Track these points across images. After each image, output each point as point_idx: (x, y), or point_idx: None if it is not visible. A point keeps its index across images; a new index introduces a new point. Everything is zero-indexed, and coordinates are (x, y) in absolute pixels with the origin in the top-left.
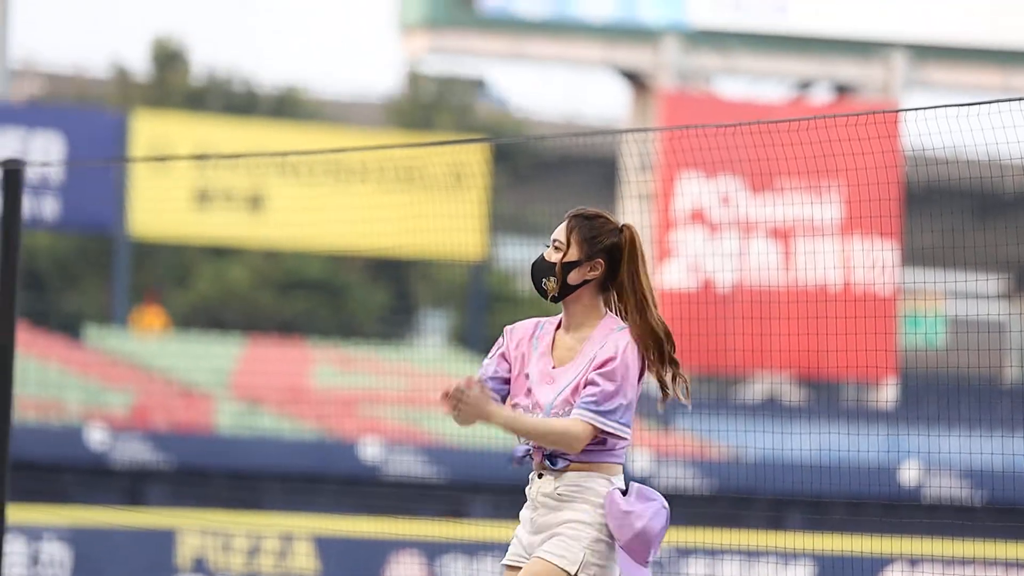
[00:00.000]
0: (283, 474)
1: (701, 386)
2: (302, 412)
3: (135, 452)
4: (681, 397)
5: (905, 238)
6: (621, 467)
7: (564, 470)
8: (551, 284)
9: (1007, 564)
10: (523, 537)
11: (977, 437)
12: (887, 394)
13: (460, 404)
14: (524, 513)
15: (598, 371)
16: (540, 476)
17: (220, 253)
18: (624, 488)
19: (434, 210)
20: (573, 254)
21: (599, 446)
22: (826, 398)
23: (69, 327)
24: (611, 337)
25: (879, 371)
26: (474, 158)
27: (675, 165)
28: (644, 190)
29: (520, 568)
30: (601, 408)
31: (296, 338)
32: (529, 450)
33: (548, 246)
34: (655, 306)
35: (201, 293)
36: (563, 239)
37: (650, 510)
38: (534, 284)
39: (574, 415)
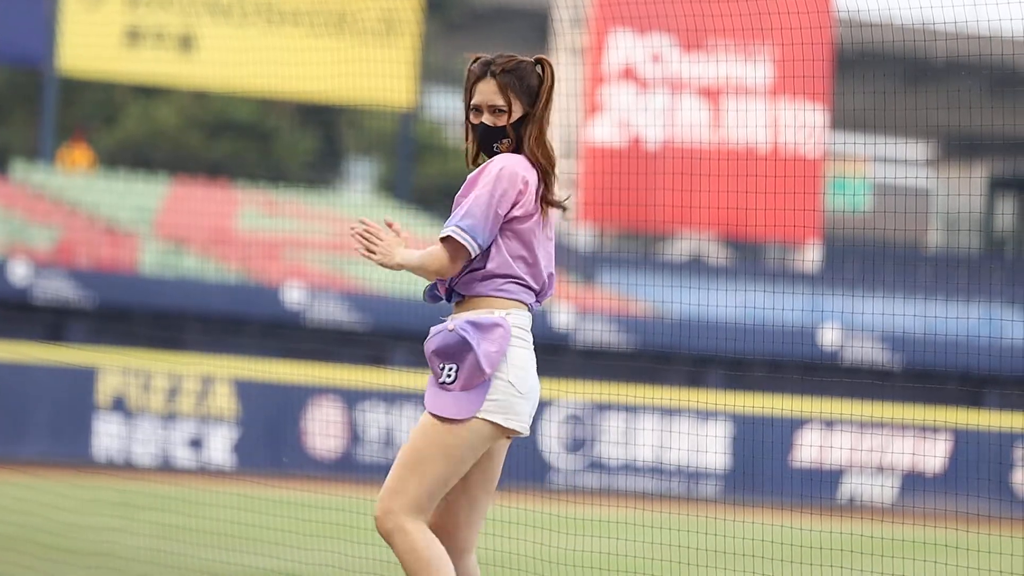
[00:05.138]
0: (205, 315)
1: (625, 243)
2: (226, 254)
3: (58, 289)
4: (564, 207)
5: (834, 101)
6: (515, 305)
7: (458, 308)
8: (505, 145)
9: (923, 428)
10: None
11: (898, 300)
12: (810, 256)
13: (371, 245)
14: None
15: (471, 187)
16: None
17: (149, 92)
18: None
19: (365, 56)
20: (518, 110)
21: (480, 280)
22: (750, 258)
23: None
24: (489, 162)
25: (803, 232)
26: (407, 5)
27: (607, 20)
28: (576, 44)
29: None
30: (453, 220)
31: (223, 180)
32: (435, 286)
33: (478, 110)
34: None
35: (129, 132)
36: (502, 101)
37: (437, 336)
38: (485, 152)
39: (440, 234)
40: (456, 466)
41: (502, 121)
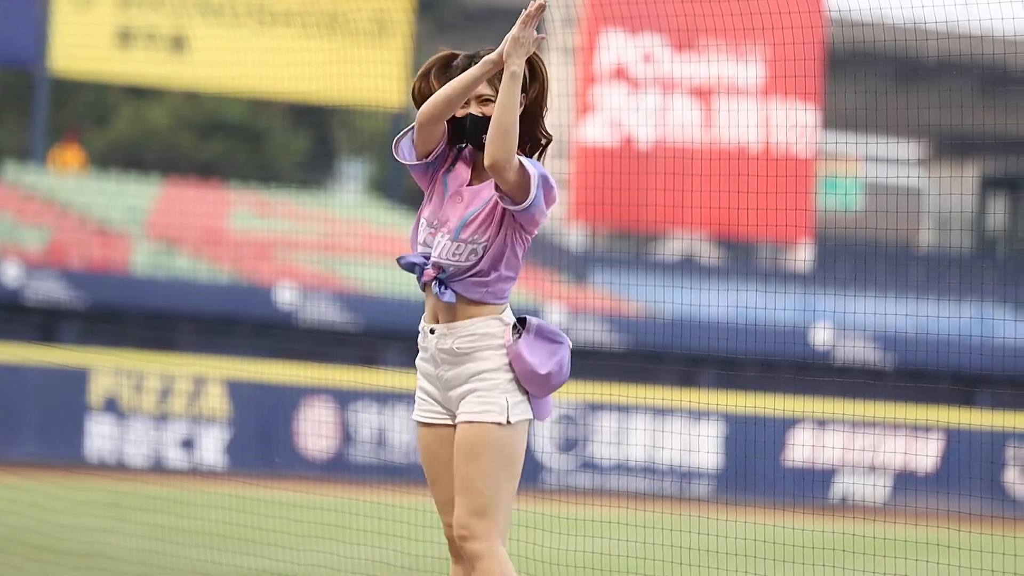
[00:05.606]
0: (197, 316)
1: (617, 242)
2: (218, 255)
3: (49, 289)
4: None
5: (826, 101)
6: (507, 306)
7: (451, 316)
8: None
9: (915, 427)
10: (434, 394)
11: (890, 300)
12: (802, 255)
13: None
14: (424, 367)
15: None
16: (432, 332)
17: (141, 93)
18: (517, 323)
19: (357, 56)
20: None
21: (487, 287)
22: (742, 258)
23: None
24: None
25: (795, 232)
26: (399, 5)
27: (599, 20)
28: (567, 44)
29: (437, 426)
30: (537, 182)
31: (214, 181)
32: (422, 264)
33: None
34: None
35: (120, 133)
36: (490, 91)
37: (554, 356)
38: (473, 143)
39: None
40: (519, 470)
41: (489, 111)
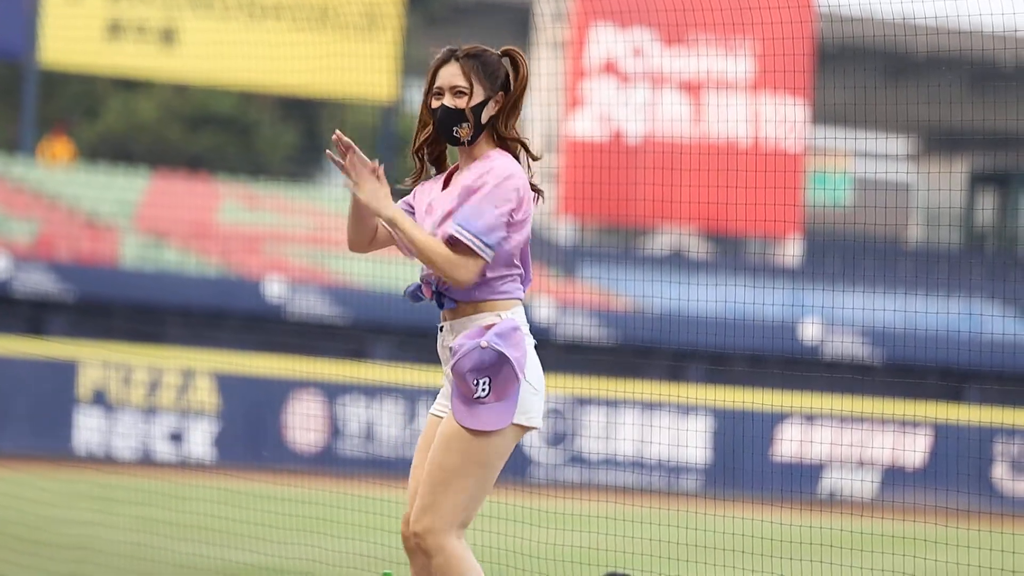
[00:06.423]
0: (186, 309)
1: (606, 237)
2: (207, 248)
3: (37, 282)
4: (541, 191)
5: (815, 95)
6: (515, 303)
7: (454, 314)
8: (464, 130)
9: (904, 422)
10: (445, 389)
11: (879, 295)
12: (791, 250)
13: (360, 174)
14: (442, 364)
15: (471, 193)
16: (441, 330)
17: (130, 85)
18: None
19: (347, 50)
20: (479, 94)
21: (477, 287)
22: (731, 253)
23: None
24: (490, 163)
25: (784, 227)
26: None
27: (588, 14)
28: (557, 38)
29: (439, 417)
30: (470, 226)
31: (203, 174)
32: (419, 287)
33: (439, 94)
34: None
35: (109, 125)
36: (464, 83)
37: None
38: (444, 135)
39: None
40: (493, 474)
41: (462, 103)
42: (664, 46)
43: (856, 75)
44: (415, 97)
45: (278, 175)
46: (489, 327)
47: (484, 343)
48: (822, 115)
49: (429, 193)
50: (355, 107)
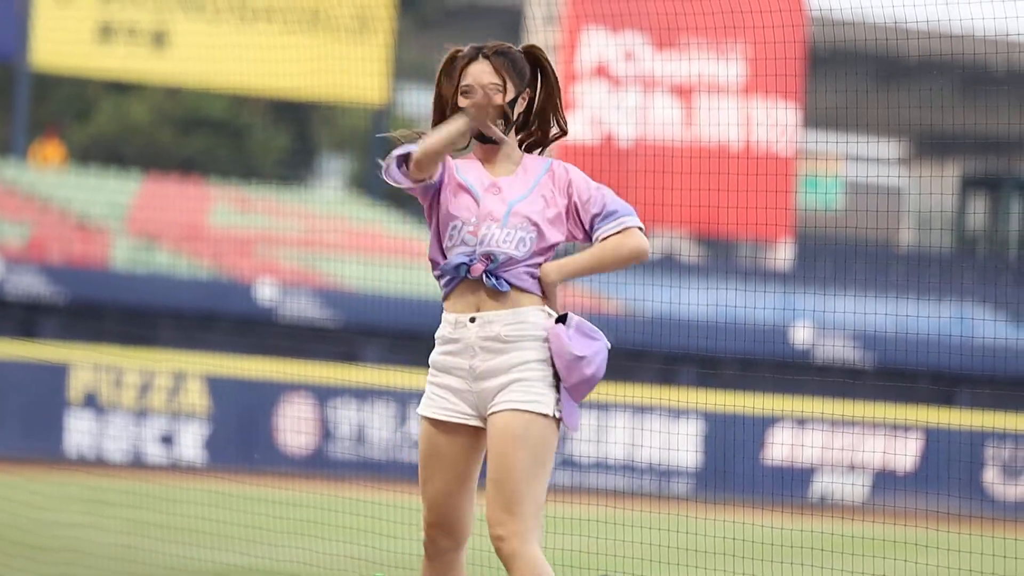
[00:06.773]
0: (177, 312)
1: None
2: (198, 250)
3: (29, 284)
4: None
5: (807, 99)
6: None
7: (499, 303)
8: (501, 126)
9: (895, 426)
10: (460, 389)
11: (870, 299)
12: (782, 254)
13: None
14: (451, 360)
15: (588, 188)
16: (472, 320)
17: (122, 88)
18: (560, 318)
19: (338, 53)
20: (511, 91)
21: (532, 277)
22: (722, 256)
23: None
24: (553, 164)
25: (776, 231)
26: (380, 1)
27: (580, 18)
28: (549, 42)
29: (453, 424)
30: (623, 210)
31: (195, 176)
32: (471, 261)
33: (467, 93)
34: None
35: (101, 128)
36: (498, 80)
37: (599, 355)
38: (473, 134)
39: (611, 229)
40: (550, 472)
41: (499, 100)
42: (656, 50)
43: (848, 79)
44: (407, 99)
45: (270, 178)
46: (546, 321)
47: (600, 344)
48: (814, 119)
49: (477, 171)
50: (347, 110)
